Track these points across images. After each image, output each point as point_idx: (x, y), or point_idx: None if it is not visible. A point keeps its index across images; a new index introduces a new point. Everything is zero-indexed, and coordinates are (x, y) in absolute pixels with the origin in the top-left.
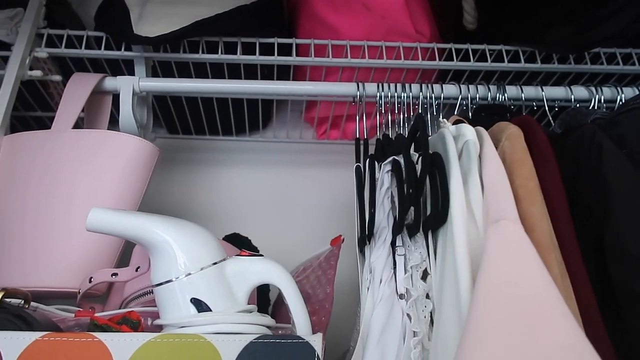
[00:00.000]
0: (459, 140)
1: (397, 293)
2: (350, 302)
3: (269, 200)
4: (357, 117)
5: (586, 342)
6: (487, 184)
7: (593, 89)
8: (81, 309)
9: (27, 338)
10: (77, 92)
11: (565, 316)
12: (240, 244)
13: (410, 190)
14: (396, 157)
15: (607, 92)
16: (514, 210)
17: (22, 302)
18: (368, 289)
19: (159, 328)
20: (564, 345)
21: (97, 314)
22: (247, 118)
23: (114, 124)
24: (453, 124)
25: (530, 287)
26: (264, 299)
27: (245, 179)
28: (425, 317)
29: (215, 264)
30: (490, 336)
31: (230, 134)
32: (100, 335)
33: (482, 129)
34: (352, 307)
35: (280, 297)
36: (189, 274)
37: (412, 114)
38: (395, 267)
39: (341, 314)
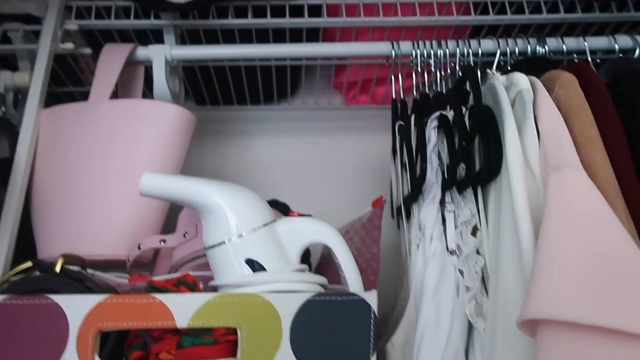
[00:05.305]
0: (511, 90)
1: (447, 249)
2: (386, 266)
3: (301, 168)
4: (392, 78)
5: None
6: (544, 132)
7: (638, 37)
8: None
9: (90, 300)
10: (111, 62)
11: (638, 256)
12: (279, 209)
13: (463, 143)
14: (443, 112)
15: None
16: (575, 157)
17: (80, 268)
18: (418, 246)
19: (213, 290)
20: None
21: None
22: (275, 86)
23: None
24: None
25: (599, 230)
26: (306, 263)
27: (276, 148)
28: (476, 272)
29: (266, 225)
30: (563, 277)
31: (258, 103)
32: (161, 296)
33: (534, 78)
34: (387, 271)
35: (322, 260)
36: (241, 235)
37: (448, 72)
38: (444, 224)
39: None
